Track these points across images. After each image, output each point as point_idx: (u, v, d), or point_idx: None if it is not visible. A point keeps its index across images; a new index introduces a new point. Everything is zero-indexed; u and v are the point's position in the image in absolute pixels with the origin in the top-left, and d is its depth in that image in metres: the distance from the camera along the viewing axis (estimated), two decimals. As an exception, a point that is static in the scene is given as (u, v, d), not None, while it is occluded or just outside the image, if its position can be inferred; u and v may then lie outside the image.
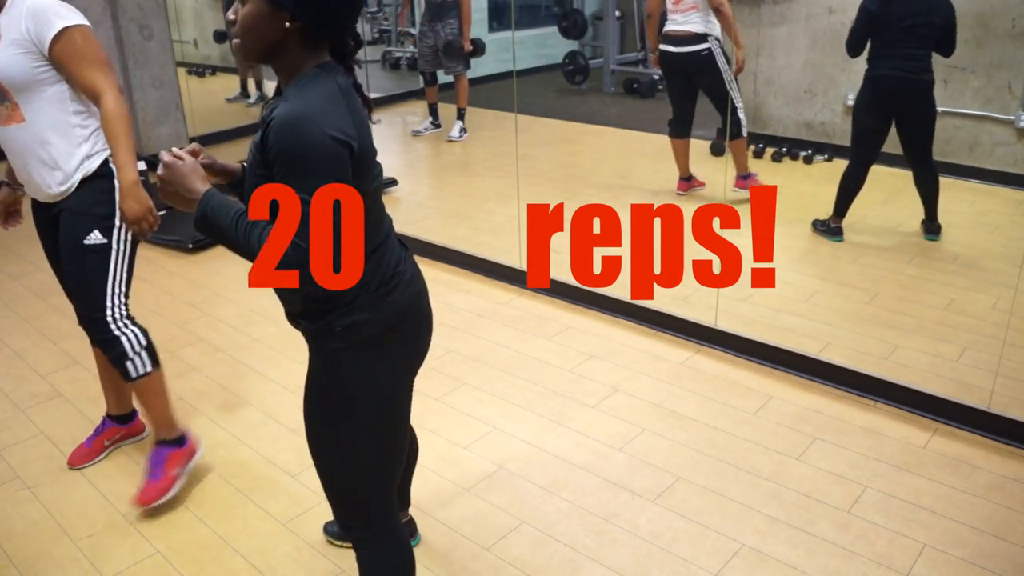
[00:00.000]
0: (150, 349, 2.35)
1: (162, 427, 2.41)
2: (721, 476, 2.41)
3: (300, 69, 1.43)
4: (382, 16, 10.43)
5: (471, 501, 2.33)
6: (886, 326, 3.26)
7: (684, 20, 4.50)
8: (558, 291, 3.61)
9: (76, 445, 2.62)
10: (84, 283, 2.32)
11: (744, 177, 4.70)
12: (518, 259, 3.81)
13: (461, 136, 6.43)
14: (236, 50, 1.46)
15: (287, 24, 1.39)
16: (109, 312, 2.31)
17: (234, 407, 2.85)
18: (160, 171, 1.45)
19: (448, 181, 5.77)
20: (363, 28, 10.60)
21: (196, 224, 1.44)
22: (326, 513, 2.26)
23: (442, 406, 2.80)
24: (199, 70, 8.65)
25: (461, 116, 6.46)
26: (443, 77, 6.53)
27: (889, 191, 4.69)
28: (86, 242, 2.28)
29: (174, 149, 1.49)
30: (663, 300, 3.46)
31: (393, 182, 5.19)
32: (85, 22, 2.17)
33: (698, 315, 3.25)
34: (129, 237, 2.33)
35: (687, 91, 4.68)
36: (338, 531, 2.16)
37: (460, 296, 3.67)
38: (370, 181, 1.47)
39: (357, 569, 1.66)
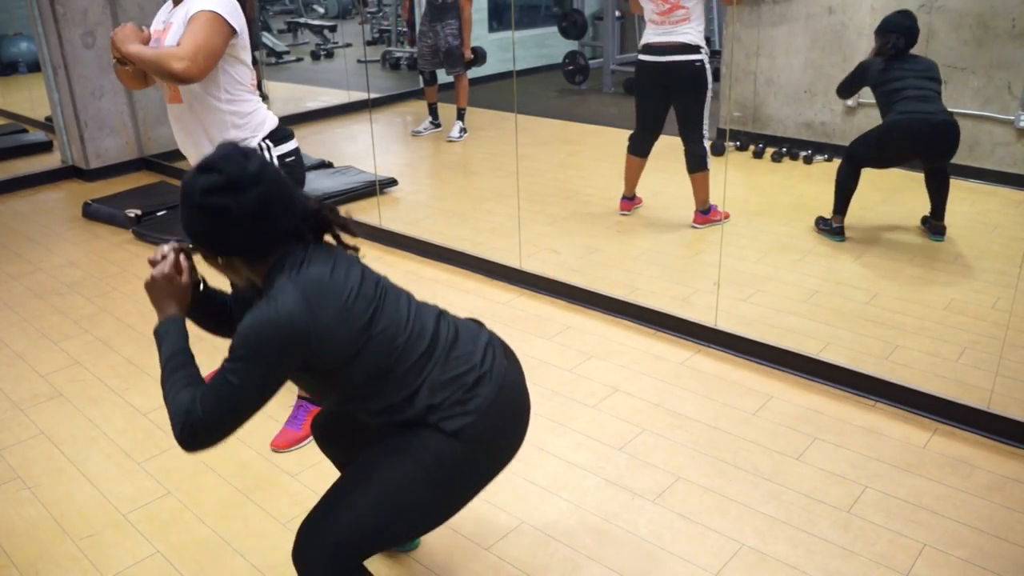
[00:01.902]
0: None
1: None
2: (721, 476, 2.41)
3: (265, 276, 1.52)
4: (382, 16, 10.43)
5: (471, 501, 2.32)
6: (886, 326, 3.26)
7: (674, 31, 4.12)
8: (558, 291, 3.61)
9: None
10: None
11: (704, 212, 4.32)
12: (518, 259, 3.81)
13: (461, 136, 6.43)
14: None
15: (220, 261, 1.54)
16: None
17: (234, 407, 2.84)
18: (148, 278, 1.61)
19: (448, 181, 5.77)
20: (363, 28, 10.61)
21: (156, 335, 1.60)
22: (326, 513, 2.26)
23: (442, 406, 2.80)
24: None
25: (461, 116, 6.46)
26: (443, 77, 6.54)
27: (889, 191, 4.69)
28: None
29: (164, 249, 1.63)
30: (663, 300, 3.47)
31: (393, 182, 5.19)
32: (221, 11, 2.27)
33: (698, 315, 3.25)
34: None
35: (663, 107, 4.31)
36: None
37: (460, 296, 3.67)
38: (362, 328, 1.51)
39: None
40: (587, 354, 3.13)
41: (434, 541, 2.18)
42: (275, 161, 2.52)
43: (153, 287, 1.60)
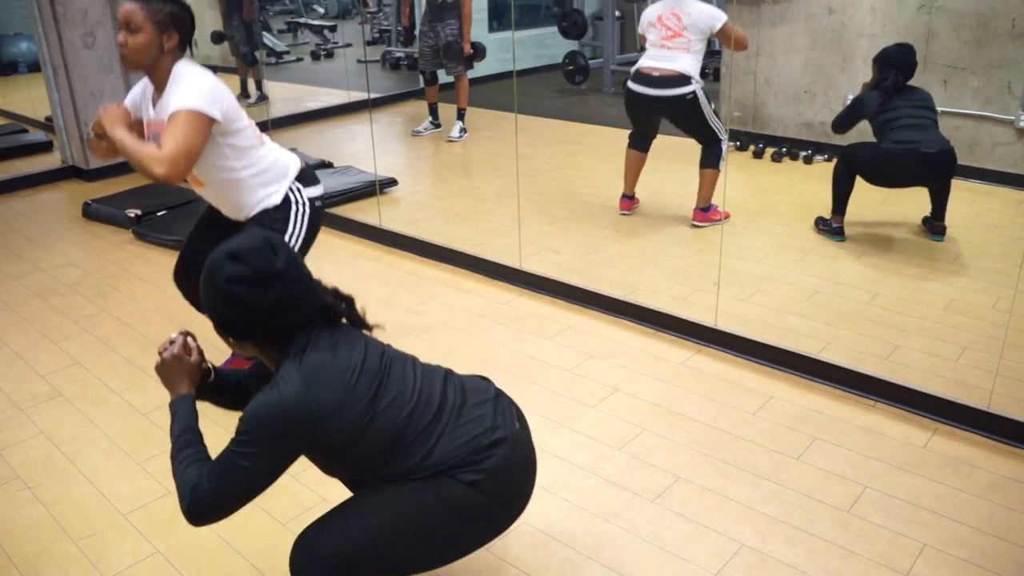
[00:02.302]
0: None
1: None
2: (721, 476, 2.41)
3: (275, 358, 1.57)
4: (382, 16, 10.43)
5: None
6: (886, 326, 3.26)
7: (670, 57, 4.12)
8: (558, 291, 3.61)
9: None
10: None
11: (704, 209, 4.33)
12: (518, 259, 3.81)
13: (461, 136, 6.43)
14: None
15: (231, 341, 1.59)
16: None
17: (234, 407, 2.84)
18: (157, 361, 1.69)
19: (448, 181, 5.77)
20: (363, 28, 10.61)
21: (171, 413, 1.67)
22: (326, 513, 2.26)
23: (442, 406, 2.80)
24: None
25: (461, 116, 6.46)
26: (443, 77, 6.54)
27: (889, 191, 4.69)
28: None
29: (170, 337, 1.70)
30: (663, 300, 3.47)
31: (393, 182, 5.19)
32: (198, 107, 2.28)
33: (698, 315, 3.25)
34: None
35: (656, 121, 4.37)
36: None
37: (460, 296, 3.67)
38: (367, 408, 1.53)
39: None
40: (587, 354, 3.13)
41: (434, 541, 2.17)
42: (307, 203, 2.59)
43: (163, 368, 1.68)
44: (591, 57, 8.55)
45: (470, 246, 4.05)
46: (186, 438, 1.59)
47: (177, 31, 2.37)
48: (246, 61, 7.63)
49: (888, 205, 4.55)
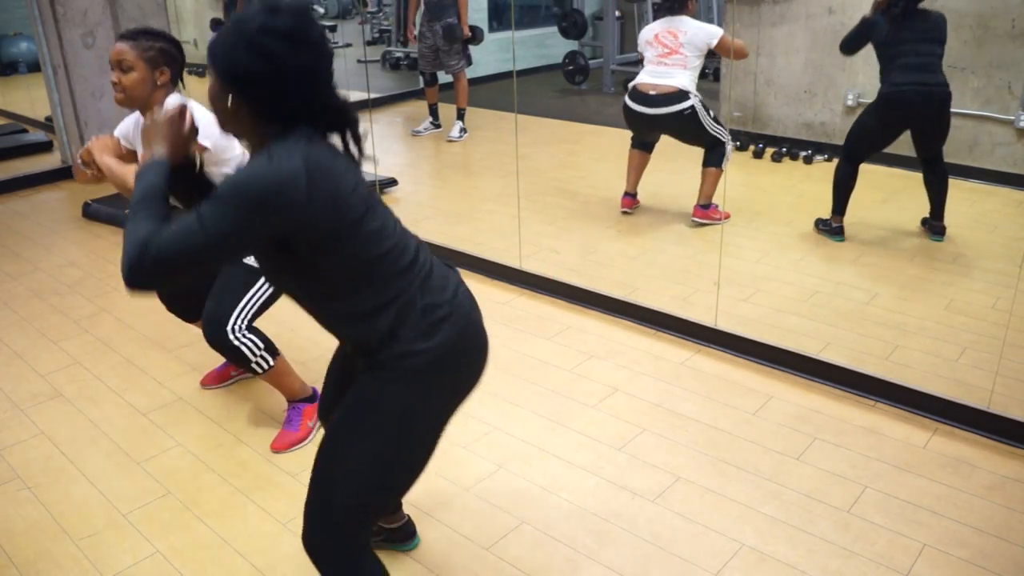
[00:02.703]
0: (269, 348, 2.55)
1: (295, 393, 2.68)
2: (721, 476, 2.41)
3: (263, 141, 1.45)
4: (382, 16, 10.44)
5: (471, 501, 2.33)
6: (886, 326, 3.26)
7: (667, 73, 4.16)
8: (558, 291, 3.61)
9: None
10: (223, 292, 2.49)
11: (705, 207, 4.33)
12: (518, 259, 3.81)
13: (461, 136, 6.43)
14: (120, 101, 1.60)
15: (228, 103, 1.45)
16: (229, 326, 2.46)
17: (234, 407, 2.85)
18: (147, 121, 1.57)
19: (448, 181, 5.77)
20: (363, 28, 10.62)
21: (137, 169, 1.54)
22: (326, 513, 2.26)
23: (442, 406, 2.80)
24: (199, 70, 8.64)
25: (461, 116, 6.46)
26: (443, 77, 6.54)
27: (889, 191, 4.69)
28: (245, 260, 2.42)
29: (176, 103, 1.60)
30: (663, 300, 3.46)
31: (393, 182, 5.19)
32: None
33: (698, 315, 3.25)
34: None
35: (657, 134, 4.43)
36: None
37: (460, 296, 3.67)
38: (361, 226, 1.47)
39: None
40: (587, 354, 3.13)
41: (434, 541, 2.18)
42: None
43: (152, 128, 1.56)
44: (591, 57, 8.55)
45: (470, 246, 4.05)
46: (151, 194, 1.45)
47: (168, 66, 2.41)
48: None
49: (888, 205, 4.55)
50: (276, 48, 1.40)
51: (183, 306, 2.83)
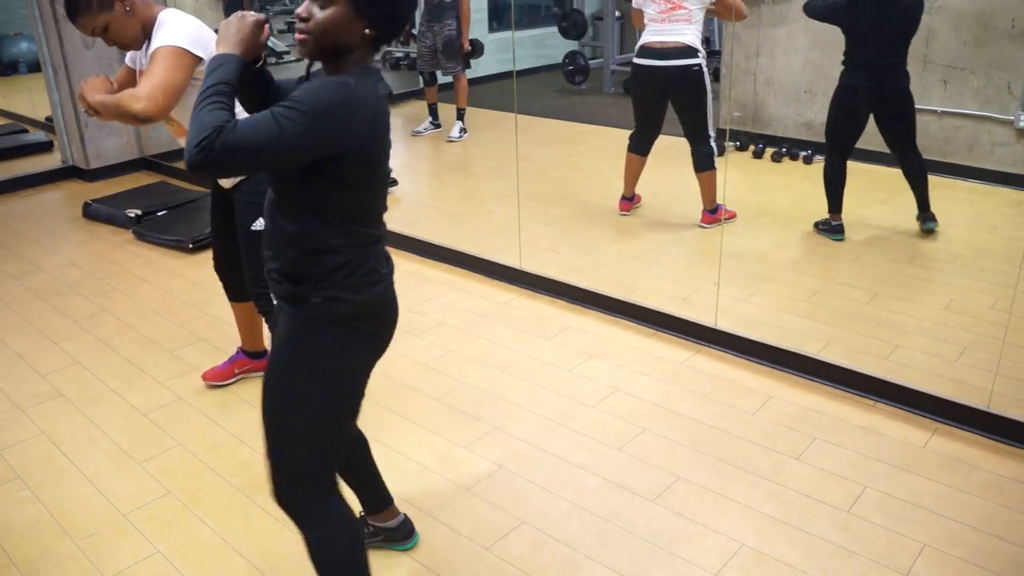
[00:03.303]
0: None
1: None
2: (721, 476, 2.41)
3: (348, 67, 1.53)
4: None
5: (471, 501, 2.33)
6: (886, 326, 3.26)
7: (673, 30, 4.09)
8: (558, 291, 3.61)
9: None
10: (249, 264, 2.53)
11: (712, 211, 4.31)
12: (518, 259, 3.81)
13: (461, 136, 6.43)
14: (302, 45, 1.53)
15: (365, 31, 1.51)
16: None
17: (234, 407, 2.85)
18: (222, 23, 1.58)
19: (448, 181, 5.77)
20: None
21: (209, 63, 1.54)
22: (326, 513, 2.26)
23: (442, 406, 2.80)
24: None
25: (461, 116, 6.46)
26: (443, 77, 6.54)
27: (889, 191, 4.69)
28: (253, 228, 2.45)
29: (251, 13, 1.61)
30: (663, 300, 3.47)
31: (393, 182, 5.19)
32: (182, 43, 2.25)
33: (698, 315, 3.25)
34: None
35: (661, 108, 4.32)
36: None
37: (460, 296, 3.67)
38: (378, 178, 1.59)
39: (307, 552, 1.69)
40: (587, 354, 3.13)
41: (434, 541, 2.18)
42: None
43: (229, 24, 1.57)
44: (591, 57, 8.55)
45: (470, 246, 4.05)
46: (221, 89, 1.46)
47: None
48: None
49: (888, 205, 4.56)
50: None
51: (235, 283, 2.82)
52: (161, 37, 2.27)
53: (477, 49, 6.35)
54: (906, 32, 3.81)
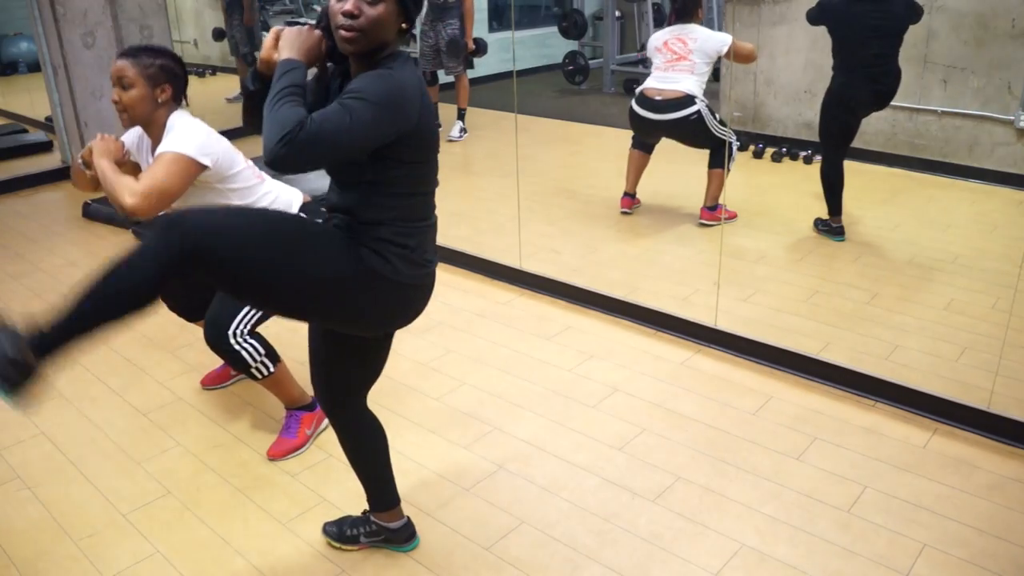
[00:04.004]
0: (270, 354, 2.52)
1: (294, 400, 2.63)
2: (721, 476, 2.41)
3: (383, 59, 1.61)
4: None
5: (471, 501, 2.33)
6: (886, 326, 3.26)
7: (674, 79, 4.17)
8: (558, 291, 3.61)
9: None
10: (222, 304, 2.48)
11: (711, 208, 4.35)
12: (518, 259, 3.81)
13: (461, 136, 6.43)
14: (351, 42, 1.57)
15: (403, 25, 1.62)
16: (231, 330, 2.45)
17: (234, 407, 2.85)
18: (285, 30, 1.64)
19: (448, 181, 5.73)
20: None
21: (278, 67, 1.59)
22: (326, 513, 2.26)
23: (442, 406, 2.80)
24: (199, 70, 8.64)
25: (461, 116, 6.46)
26: (444, 77, 6.53)
27: (889, 191, 4.70)
28: None
29: (304, 21, 1.68)
30: (663, 300, 3.47)
31: (393, 182, 5.18)
32: (188, 152, 2.27)
33: (698, 315, 3.25)
34: None
35: (661, 136, 4.43)
36: (337, 531, 2.16)
37: (460, 296, 3.67)
38: (434, 154, 1.71)
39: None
40: (587, 354, 3.13)
41: (434, 541, 2.18)
42: None
43: (297, 33, 1.63)
44: (591, 57, 8.55)
45: (470, 246, 4.05)
46: (295, 90, 1.53)
47: (170, 84, 2.38)
48: (247, 61, 7.64)
49: (888, 205, 4.56)
50: None
51: (185, 305, 2.81)
52: (172, 141, 2.28)
53: (481, 48, 6.34)
54: (897, 32, 3.82)
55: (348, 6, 1.54)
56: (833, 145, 4.04)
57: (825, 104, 4.02)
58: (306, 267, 1.60)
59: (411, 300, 1.77)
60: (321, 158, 1.53)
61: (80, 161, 2.43)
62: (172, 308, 2.85)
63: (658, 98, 4.21)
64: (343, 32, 1.56)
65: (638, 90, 4.35)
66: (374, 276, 1.66)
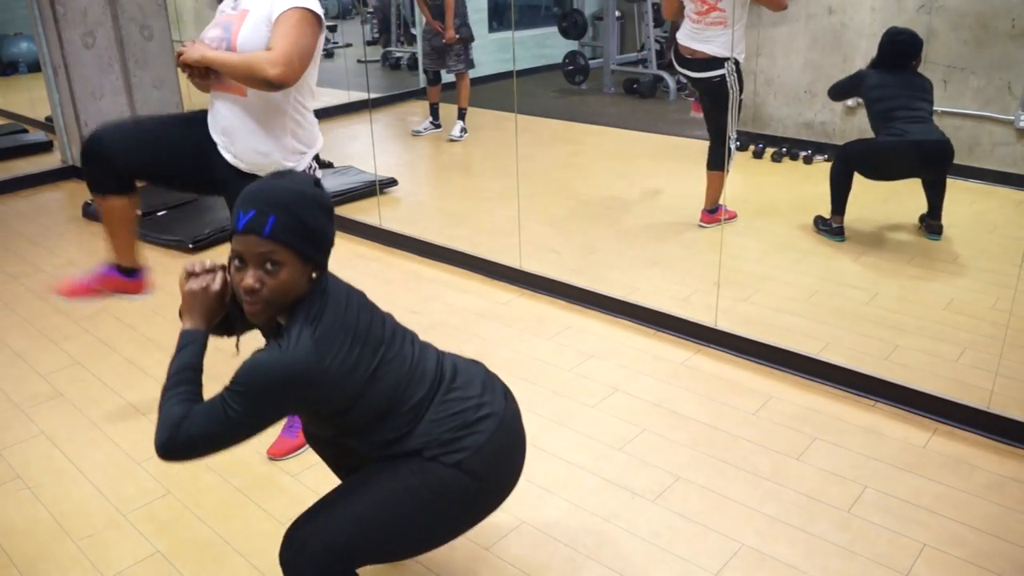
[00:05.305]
0: None
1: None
2: (721, 476, 2.41)
3: (297, 312, 1.50)
4: (376, 15, 10.44)
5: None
6: (886, 326, 3.26)
7: (704, 36, 4.04)
8: (558, 291, 3.61)
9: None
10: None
11: (711, 211, 4.30)
12: (518, 259, 3.81)
13: (461, 136, 6.43)
14: (256, 316, 1.50)
15: (312, 275, 1.53)
16: None
17: (234, 407, 2.84)
18: (194, 286, 1.60)
19: (448, 181, 5.77)
20: (363, 28, 10.62)
21: (179, 338, 1.61)
22: (326, 513, 2.26)
23: (442, 406, 2.80)
24: (188, 77, 8.63)
25: (462, 116, 6.46)
26: (445, 77, 6.53)
27: (889, 191, 4.69)
28: None
29: (205, 263, 1.61)
30: (663, 300, 3.47)
31: (393, 182, 5.19)
32: (311, 6, 2.16)
33: (698, 315, 3.25)
34: None
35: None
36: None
37: (460, 296, 3.67)
38: (370, 376, 1.53)
39: None
40: (587, 354, 3.13)
41: (434, 541, 2.18)
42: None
43: (196, 297, 1.60)
44: (591, 57, 8.55)
45: (470, 246, 4.05)
46: (185, 375, 1.55)
47: None
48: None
49: (888, 205, 4.55)
50: (329, 203, 1.55)
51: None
52: None
53: (464, 37, 6.27)
54: (930, 102, 3.96)
55: (248, 281, 1.46)
56: (851, 160, 4.04)
57: (872, 147, 4.03)
58: (419, 526, 1.61)
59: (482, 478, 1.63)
60: (206, 453, 1.52)
61: (188, 77, 2.28)
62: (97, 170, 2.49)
63: (688, 56, 4.15)
64: (247, 307, 1.50)
65: (678, 40, 4.22)
66: (447, 477, 1.58)
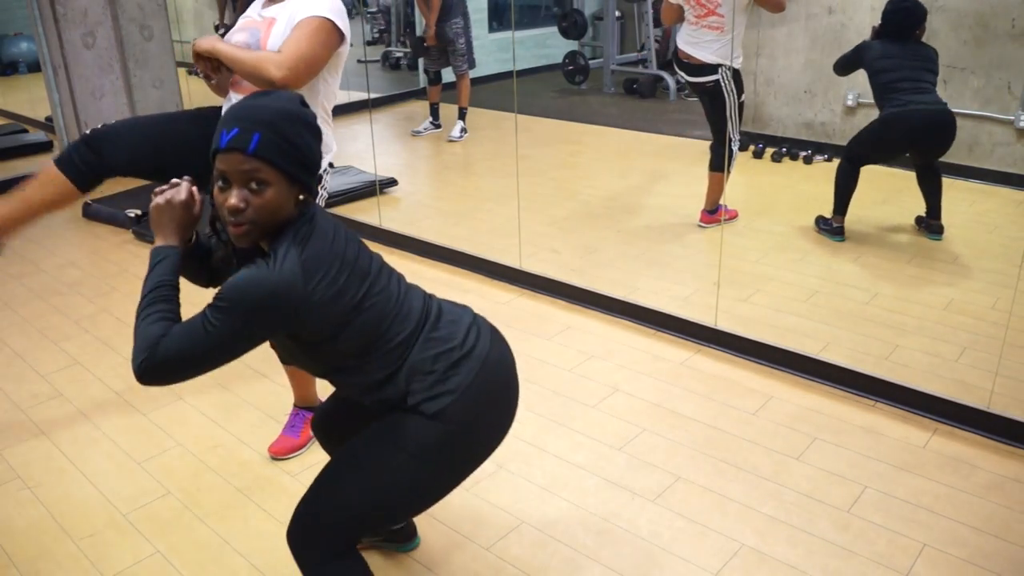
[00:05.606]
0: None
1: (307, 400, 2.61)
2: (721, 476, 2.41)
3: (285, 235, 1.46)
4: (381, 17, 10.44)
5: (471, 501, 2.33)
6: (886, 326, 3.26)
7: (700, 42, 4.03)
8: (558, 291, 3.61)
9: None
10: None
11: (710, 212, 4.30)
12: (518, 259, 3.81)
13: (462, 136, 6.43)
14: (242, 237, 1.46)
15: (299, 197, 1.48)
16: None
17: (234, 407, 2.85)
18: (159, 200, 1.56)
19: (448, 181, 5.77)
20: (363, 28, 10.62)
21: (150, 256, 1.56)
22: (326, 513, 2.26)
23: (442, 406, 2.80)
24: (199, 70, 8.63)
25: (462, 116, 6.46)
26: (445, 76, 6.54)
27: (889, 191, 4.69)
28: None
29: (182, 181, 1.58)
30: (663, 300, 3.47)
31: (393, 182, 5.19)
32: (333, 17, 2.15)
33: (698, 315, 3.25)
34: None
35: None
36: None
37: (460, 296, 3.65)
38: (364, 303, 1.51)
39: None
40: (587, 354, 3.13)
41: (434, 541, 2.18)
42: (327, 195, 2.47)
43: (163, 210, 1.55)
44: (591, 57, 8.55)
45: (470, 246, 4.05)
46: (161, 293, 1.49)
47: None
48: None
49: (887, 205, 4.56)
50: (319, 129, 1.52)
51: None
52: (309, 5, 2.15)
53: (445, 39, 6.25)
54: (934, 72, 3.91)
55: (233, 200, 1.42)
56: (858, 154, 4.02)
57: (874, 128, 4.00)
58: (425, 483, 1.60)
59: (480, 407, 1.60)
60: (184, 375, 1.45)
61: (199, 72, 2.26)
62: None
63: (685, 61, 4.14)
64: (232, 229, 1.45)
65: (678, 42, 4.21)
66: (438, 423, 1.54)
